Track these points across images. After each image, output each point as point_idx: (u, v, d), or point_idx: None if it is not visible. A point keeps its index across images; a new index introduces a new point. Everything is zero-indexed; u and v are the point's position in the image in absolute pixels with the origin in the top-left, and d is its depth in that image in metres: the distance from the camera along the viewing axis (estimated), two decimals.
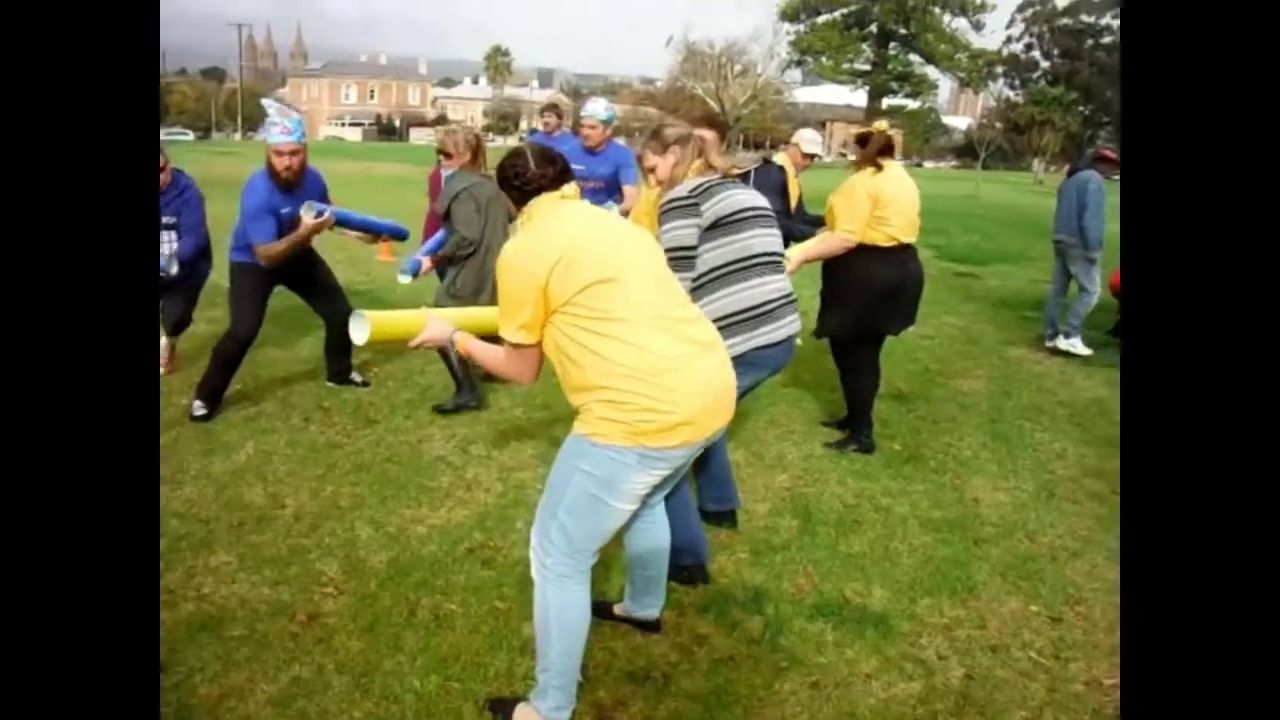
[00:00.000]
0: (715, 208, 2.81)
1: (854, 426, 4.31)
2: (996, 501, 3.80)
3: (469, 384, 4.37)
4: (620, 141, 5.55)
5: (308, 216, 4.05)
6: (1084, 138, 47.28)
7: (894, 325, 4.19)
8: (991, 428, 4.78)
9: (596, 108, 5.30)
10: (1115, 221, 7.09)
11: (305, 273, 4.47)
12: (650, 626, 2.60)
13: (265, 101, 4.78)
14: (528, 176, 2.09)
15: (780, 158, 4.89)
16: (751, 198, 2.91)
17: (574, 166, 5.43)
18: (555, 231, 2.01)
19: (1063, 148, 44.24)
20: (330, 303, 4.59)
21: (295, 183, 4.13)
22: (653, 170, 2.91)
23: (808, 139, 4.92)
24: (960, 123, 71.30)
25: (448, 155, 4.37)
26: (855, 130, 4.27)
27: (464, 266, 4.29)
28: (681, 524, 2.68)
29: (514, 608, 2.73)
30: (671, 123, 3.01)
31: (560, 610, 2.07)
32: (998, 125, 48.54)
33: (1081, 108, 52.00)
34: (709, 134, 3.13)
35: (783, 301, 2.91)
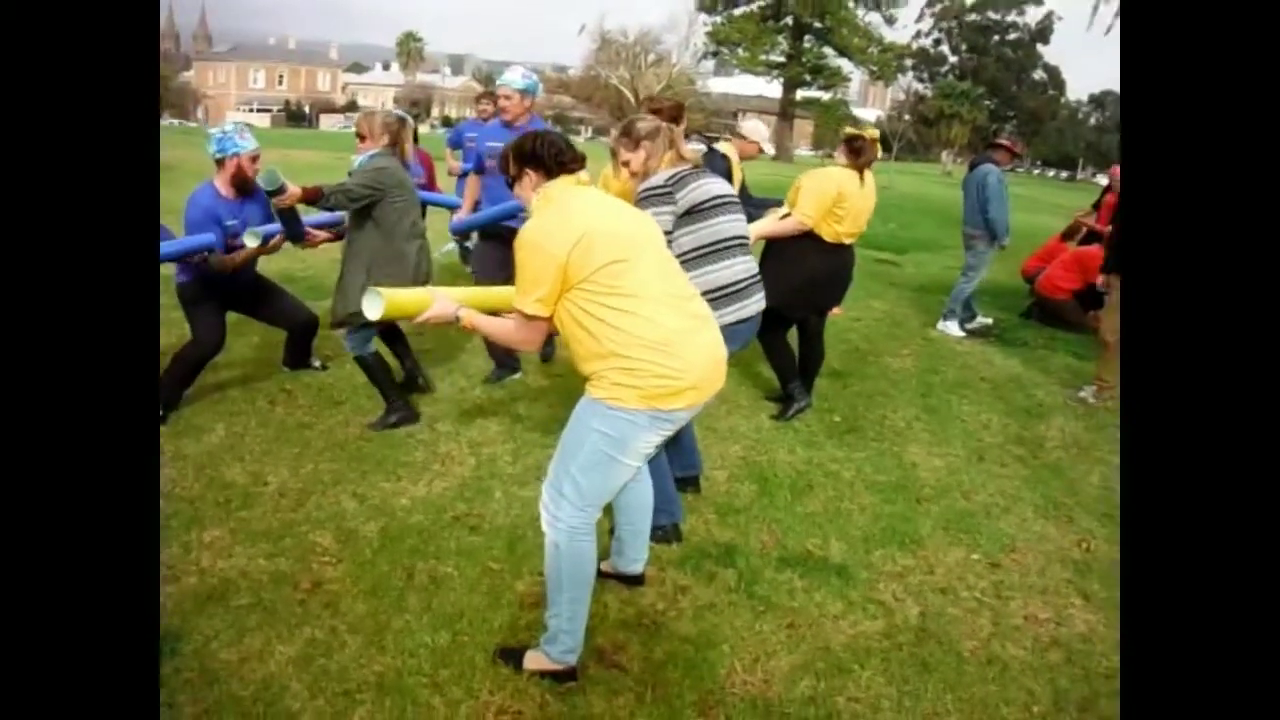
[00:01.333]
0: (689, 195, 3.04)
1: (785, 392, 4.68)
2: (932, 466, 4.14)
3: (401, 402, 4.23)
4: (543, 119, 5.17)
5: (253, 244, 4.06)
6: (990, 131, 49.14)
7: (819, 305, 4.56)
8: (922, 401, 5.15)
9: (512, 76, 4.65)
10: (1018, 211, 7.46)
11: (252, 296, 4.52)
12: (635, 580, 2.83)
13: (210, 130, 4.69)
14: (561, 152, 2.28)
15: (725, 146, 5.12)
16: (720, 186, 3.15)
17: (490, 143, 5.06)
18: (574, 214, 2.19)
19: (970, 140, 45.93)
20: (284, 311, 4.63)
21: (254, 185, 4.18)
22: (627, 164, 3.11)
23: (762, 133, 5.17)
24: (869, 115, 73.03)
25: (362, 138, 4.12)
26: (848, 130, 4.62)
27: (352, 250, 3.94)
28: (659, 487, 2.91)
29: (506, 568, 2.92)
30: (642, 118, 3.21)
31: (571, 559, 2.27)
32: (907, 118, 50.06)
33: (988, 101, 53.99)
34: (677, 127, 3.35)
35: (751, 281, 3.16)
